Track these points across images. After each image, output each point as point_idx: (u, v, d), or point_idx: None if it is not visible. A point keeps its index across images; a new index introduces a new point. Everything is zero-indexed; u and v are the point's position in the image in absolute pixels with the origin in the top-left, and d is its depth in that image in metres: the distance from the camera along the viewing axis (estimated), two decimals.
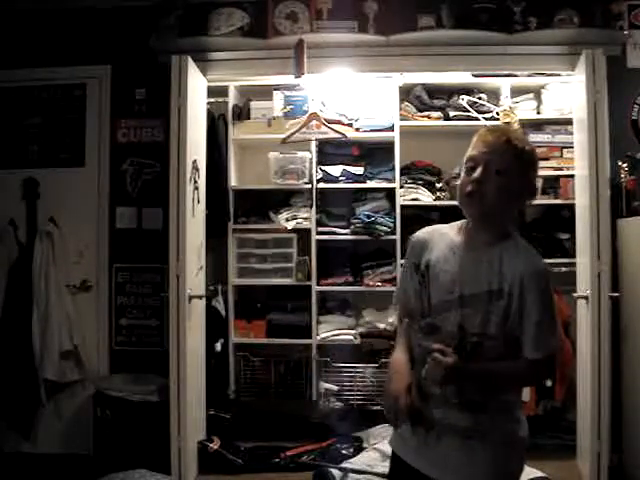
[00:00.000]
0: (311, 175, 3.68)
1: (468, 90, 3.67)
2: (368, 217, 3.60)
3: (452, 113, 3.63)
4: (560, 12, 3.33)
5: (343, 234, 3.70)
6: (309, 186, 3.67)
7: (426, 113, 3.67)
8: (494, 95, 3.70)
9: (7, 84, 3.66)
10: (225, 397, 3.67)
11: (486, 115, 3.58)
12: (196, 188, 3.21)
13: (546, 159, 3.52)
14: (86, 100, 3.67)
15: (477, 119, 3.54)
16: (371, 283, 3.63)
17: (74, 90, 3.67)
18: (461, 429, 1.45)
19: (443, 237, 1.57)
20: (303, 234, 3.71)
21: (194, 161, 3.17)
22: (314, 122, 3.55)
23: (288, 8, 3.45)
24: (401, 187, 3.64)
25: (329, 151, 3.77)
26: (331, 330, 3.67)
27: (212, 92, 3.51)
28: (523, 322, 1.43)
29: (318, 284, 3.66)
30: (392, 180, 3.65)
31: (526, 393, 3.12)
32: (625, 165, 3.25)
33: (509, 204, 1.49)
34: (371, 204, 3.70)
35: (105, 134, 3.64)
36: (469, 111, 3.59)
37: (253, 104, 3.77)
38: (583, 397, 3.08)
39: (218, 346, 3.59)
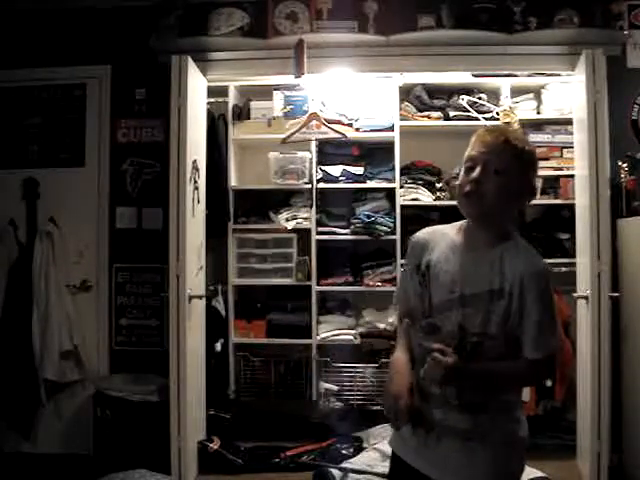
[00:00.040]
0: (311, 175, 3.68)
1: (468, 90, 3.67)
2: (368, 217, 3.60)
3: (452, 113, 3.63)
4: (560, 12, 3.33)
5: (343, 234, 3.70)
6: (309, 186, 3.67)
7: (426, 113, 3.67)
8: (494, 95, 3.70)
9: (7, 84, 3.66)
10: (225, 397, 3.67)
11: (486, 115, 3.58)
12: (196, 188, 3.21)
13: (546, 159, 3.52)
14: (86, 100, 3.67)
15: (477, 119, 3.54)
16: (371, 283, 3.63)
17: (74, 90, 3.67)
18: (461, 430, 1.45)
19: (444, 237, 1.57)
20: (303, 234, 3.71)
21: (194, 161, 3.17)
22: (314, 122, 3.55)
23: (288, 8, 3.45)
24: (401, 187, 3.65)
25: (329, 151, 3.77)
26: (331, 330, 3.67)
27: (212, 92, 3.51)
28: (523, 322, 1.43)
29: (318, 284, 3.66)
30: (392, 180, 3.65)
31: (526, 393, 3.12)
32: (625, 165, 3.25)
33: (508, 204, 1.49)
34: (371, 204, 3.70)
35: (105, 134, 3.64)
36: (469, 111, 3.59)
37: (253, 104, 3.77)
38: (583, 397, 3.08)
39: (218, 346, 3.59)
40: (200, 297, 3.23)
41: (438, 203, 3.63)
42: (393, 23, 3.40)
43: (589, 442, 2.88)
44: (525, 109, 3.64)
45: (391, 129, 3.64)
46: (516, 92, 3.63)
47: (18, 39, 3.63)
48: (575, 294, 3.13)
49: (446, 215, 3.32)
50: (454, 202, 1.56)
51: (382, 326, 3.62)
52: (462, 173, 1.50)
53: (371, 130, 3.67)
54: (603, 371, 2.85)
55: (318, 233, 3.67)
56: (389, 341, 3.50)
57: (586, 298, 2.95)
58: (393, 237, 3.61)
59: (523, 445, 1.52)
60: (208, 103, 3.50)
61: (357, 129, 3.69)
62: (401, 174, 3.65)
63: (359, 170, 3.70)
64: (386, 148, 3.69)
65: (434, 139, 3.72)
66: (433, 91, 3.73)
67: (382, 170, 3.69)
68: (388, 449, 1.67)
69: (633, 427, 3.06)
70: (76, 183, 3.64)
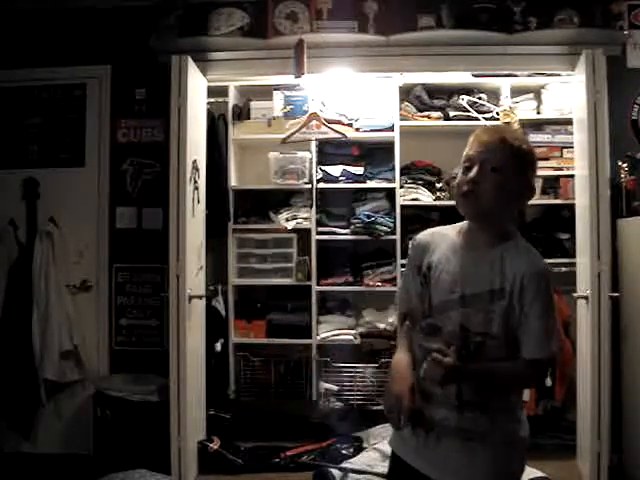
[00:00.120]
0: (311, 175, 3.68)
1: (468, 90, 3.67)
2: (368, 217, 3.60)
3: (452, 113, 3.63)
4: (560, 12, 3.33)
5: (343, 234, 3.70)
6: (309, 186, 3.67)
7: (426, 113, 3.67)
8: (494, 95, 3.70)
9: (7, 84, 3.66)
10: (225, 397, 3.67)
11: (486, 115, 3.58)
12: (196, 188, 3.21)
13: (546, 159, 3.52)
14: (86, 100, 3.67)
15: (477, 119, 3.54)
16: (371, 283, 3.63)
17: (74, 90, 3.67)
18: (462, 430, 1.45)
19: (444, 238, 1.57)
20: (303, 234, 3.71)
21: (194, 161, 3.17)
22: (314, 122, 3.55)
23: (288, 8, 3.45)
24: (401, 187, 3.64)
25: (329, 151, 3.77)
26: (331, 330, 3.67)
27: (212, 92, 3.51)
28: (523, 322, 1.42)
29: (318, 284, 3.66)
30: (392, 180, 3.65)
31: (526, 393, 3.12)
32: (625, 165, 3.25)
33: (507, 204, 1.48)
34: (371, 204, 3.70)
35: (105, 134, 3.64)
36: (469, 111, 3.59)
37: (253, 104, 3.77)
38: (583, 397, 3.08)
39: (218, 346, 3.59)
40: (200, 297, 3.23)
41: (438, 203, 3.63)
42: (393, 23, 3.40)
43: (589, 442, 2.88)
44: (525, 109, 3.64)
45: (391, 129, 3.64)
46: (516, 92, 3.63)
47: (18, 39, 3.63)
48: (575, 294, 3.13)
49: (446, 215, 3.33)
50: (454, 202, 1.56)
51: (382, 326, 3.62)
52: (460, 173, 1.50)
53: (371, 130, 3.67)
54: (603, 371, 2.85)
55: (318, 233, 3.67)
56: (389, 341, 3.50)
57: (586, 298, 2.95)
58: (393, 237, 3.61)
59: (524, 445, 1.52)
60: (208, 103, 3.50)
61: (357, 129, 3.69)
62: (401, 174, 3.65)
63: (359, 170, 3.70)
64: (386, 148, 3.68)
65: (434, 139, 3.72)
66: (433, 91, 3.73)
67: (382, 170, 3.69)
68: (388, 449, 1.67)
69: (633, 427, 3.06)
70: (76, 183, 3.64)
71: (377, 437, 3.25)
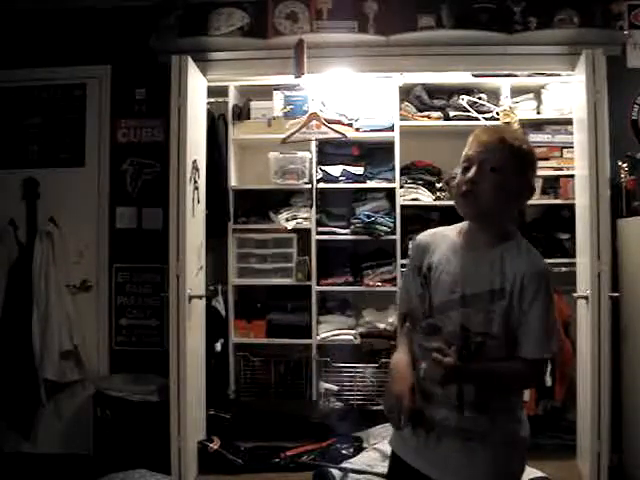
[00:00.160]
0: (311, 175, 3.68)
1: (468, 90, 3.67)
2: (368, 217, 3.60)
3: (452, 113, 3.63)
4: (560, 12, 3.33)
5: (343, 234, 3.70)
6: (309, 186, 3.67)
7: (426, 113, 3.67)
8: (494, 95, 3.70)
9: (7, 84, 3.66)
10: (225, 397, 3.67)
11: (486, 115, 3.58)
12: (196, 188, 3.21)
13: (546, 159, 3.52)
14: (86, 100, 3.66)
15: (477, 119, 3.54)
16: (371, 283, 3.63)
17: (74, 90, 3.67)
18: (462, 430, 1.45)
19: (445, 239, 1.57)
20: (303, 234, 3.71)
21: (194, 161, 3.17)
22: (314, 122, 3.55)
23: (288, 8, 3.45)
24: (401, 187, 3.65)
25: (329, 151, 3.77)
26: (331, 330, 3.67)
27: (212, 92, 3.51)
28: (522, 322, 1.42)
29: (318, 284, 3.66)
30: (392, 180, 3.65)
31: (526, 393, 3.13)
32: (625, 165, 3.25)
33: (506, 203, 1.48)
34: (371, 204, 3.70)
35: (105, 134, 3.64)
36: (469, 111, 3.59)
37: (253, 104, 3.77)
38: (583, 397, 3.08)
39: (218, 346, 3.59)
40: (200, 297, 3.23)
41: (438, 203, 3.63)
42: (393, 23, 3.40)
43: (589, 442, 2.88)
44: (525, 109, 3.64)
45: (391, 129, 3.64)
46: (516, 92, 3.63)
47: (18, 39, 3.63)
48: (575, 294, 3.13)
49: (446, 215, 3.33)
50: (454, 202, 1.56)
51: (382, 326, 3.62)
52: (459, 173, 1.50)
53: (371, 130, 3.67)
54: (603, 371, 2.85)
55: (318, 233, 3.67)
56: (389, 341, 3.50)
57: (586, 298, 2.95)
58: (393, 237, 3.61)
59: (524, 445, 1.52)
60: (208, 103, 3.50)
61: (357, 129, 3.69)
62: (401, 174, 3.65)
63: (359, 170, 3.70)
64: (386, 148, 3.68)
65: (434, 139, 3.72)
66: (433, 91, 3.73)
67: (382, 170, 3.69)
68: (388, 449, 1.67)
69: (633, 427, 3.06)
70: (76, 183, 3.64)
71: (377, 437, 3.25)
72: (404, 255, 3.55)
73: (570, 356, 3.33)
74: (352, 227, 3.66)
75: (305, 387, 3.66)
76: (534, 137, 3.52)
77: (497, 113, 3.57)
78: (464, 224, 1.57)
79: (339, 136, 3.58)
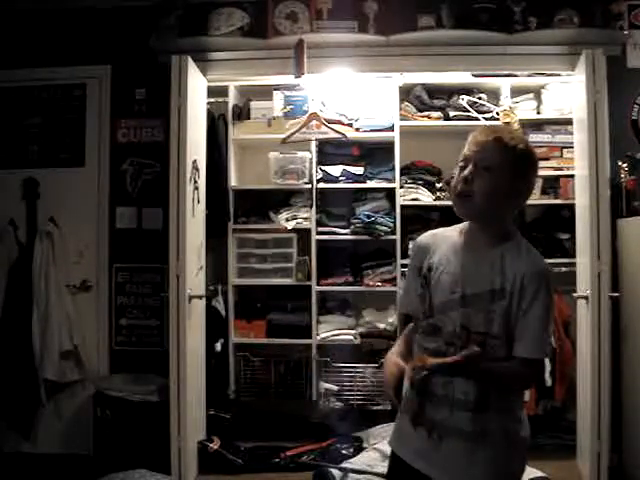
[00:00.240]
0: (311, 175, 3.68)
1: (468, 90, 3.68)
2: (368, 217, 3.60)
3: (452, 113, 3.63)
4: (560, 12, 3.33)
5: (343, 234, 3.70)
6: (309, 186, 3.67)
7: (426, 113, 3.67)
8: (494, 95, 3.70)
9: (7, 84, 3.66)
10: (225, 397, 3.67)
11: (486, 115, 3.58)
12: (196, 188, 3.21)
13: (546, 159, 3.52)
14: (86, 100, 3.66)
15: (477, 119, 3.54)
16: (371, 283, 3.63)
17: (74, 90, 3.67)
18: (462, 430, 1.45)
19: (445, 240, 1.57)
20: (303, 234, 3.71)
21: (194, 161, 3.17)
22: (314, 122, 3.55)
23: (288, 8, 3.45)
24: (401, 187, 3.65)
25: (329, 151, 3.77)
26: (331, 330, 3.67)
27: (212, 92, 3.51)
28: (521, 321, 1.42)
29: (318, 284, 3.66)
30: (392, 180, 3.65)
31: (526, 393, 3.12)
32: (625, 165, 3.25)
33: (502, 203, 1.47)
34: (371, 204, 3.70)
35: (105, 134, 3.64)
36: (469, 111, 3.59)
37: (253, 104, 3.77)
38: (583, 397, 3.08)
39: (218, 346, 3.59)
40: (200, 297, 3.23)
41: (438, 203, 3.63)
42: (393, 23, 3.40)
43: (589, 442, 2.88)
44: (525, 109, 3.64)
45: (391, 129, 3.64)
46: (516, 92, 3.63)
47: (18, 39, 3.63)
48: (575, 294, 3.13)
49: (446, 215, 3.32)
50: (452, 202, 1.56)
51: (382, 326, 3.62)
52: (456, 173, 1.50)
53: (371, 130, 3.67)
54: (603, 371, 2.85)
55: (318, 233, 3.67)
56: (389, 341, 3.49)
57: (586, 298, 2.95)
58: (393, 237, 3.61)
59: (524, 445, 1.52)
60: (208, 103, 3.50)
61: (357, 129, 3.69)
62: (401, 174, 3.65)
63: (359, 170, 3.70)
64: (386, 148, 3.69)
65: (434, 139, 3.72)
66: (433, 91, 3.73)
67: (382, 170, 3.69)
68: (388, 449, 1.67)
69: (633, 427, 3.06)
70: (76, 183, 3.64)
71: (377, 437, 3.25)
72: (404, 255, 3.55)
73: (570, 356, 3.34)
74: (352, 227, 3.66)
75: (305, 387, 3.66)
76: (534, 137, 3.52)
77: (497, 113, 3.57)
78: (464, 224, 1.57)
79: (339, 136, 3.58)
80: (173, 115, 3.03)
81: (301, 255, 3.70)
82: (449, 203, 1.56)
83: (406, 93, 3.72)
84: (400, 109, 3.65)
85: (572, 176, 3.42)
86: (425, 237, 1.63)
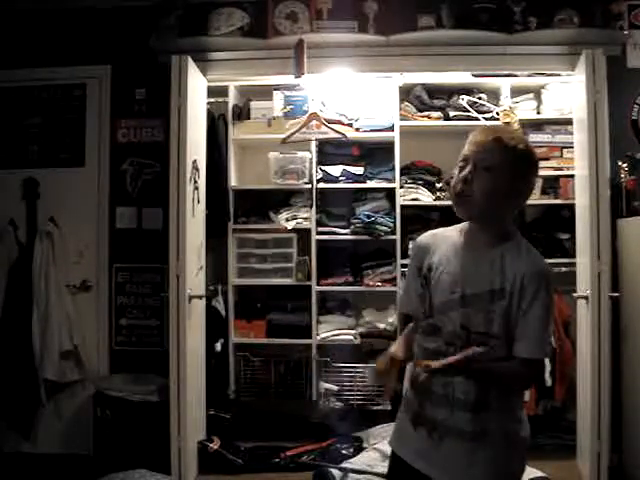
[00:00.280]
0: (311, 175, 3.68)
1: (468, 90, 3.67)
2: (368, 217, 3.60)
3: (452, 113, 3.63)
4: (560, 12, 3.33)
5: (343, 234, 3.70)
6: (309, 186, 3.67)
7: (426, 113, 3.67)
8: (494, 95, 3.70)
9: (7, 84, 3.66)
10: (225, 397, 3.67)
11: (486, 115, 3.58)
12: (196, 188, 3.21)
13: (546, 159, 3.52)
14: (86, 100, 3.66)
15: (477, 119, 3.54)
16: (371, 283, 3.63)
17: (74, 90, 3.67)
18: (463, 430, 1.45)
19: (445, 240, 1.57)
20: (303, 234, 3.71)
21: (194, 161, 3.17)
22: (314, 122, 3.55)
23: (288, 8, 3.45)
24: (401, 187, 3.64)
25: (329, 151, 3.77)
26: (331, 330, 3.67)
27: (212, 92, 3.51)
28: (521, 321, 1.42)
29: (318, 284, 3.66)
30: (392, 180, 3.65)
31: (526, 393, 3.12)
32: (625, 165, 3.25)
33: (501, 203, 1.47)
34: (371, 204, 3.70)
35: (105, 134, 3.64)
36: (469, 111, 3.59)
37: (253, 104, 3.77)
38: (583, 397, 3.08)
39: (218, 346, 3.59)
40: (200, 297, 3.23)
41: (438, 203, 3.63)
42: (393, 23, 3.40)
43: (589, 442, 2.88)
44: (525, 109, 3.64)
45: (391, 129, 3.64)
46: (516, 92, 3.63)
47: (18, 39, 3.63)
48: (575, 294, 3.13)
49: (446, 215, 3.32)
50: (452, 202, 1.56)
51: (382, 326, 3.62)
52: (456, 173, 1.50)
53: (371, 130, 3.67)
54: (603, 371, 2.85)
55: (318, 233, 3.67)
56: (389, 341, 3.48)
57: (586, 298, 2.95)
58: (393, 237, 3.61)
59: (524, 445, 1.52)
60: (208, 103, 3.50)
61: (357, 129, 3.69)
62: (401, 174, 3.65)
63: (359, 170, 3.70)
64: (386, 148, 3.69)
65: (434, 139, 3.72)
66: (433, 91, 3.73)
67: (382, 170, 3.69)
68: (388, 449, 1.68)
69: (633, 427, 3.06)
70: (76, 183, 3.64)
71: (377, 437, 3.25)
72: (404, 255, 3.55)
73: (570, 356, 3.34)
74: (352, 227, 3.66)
75: (305, 387, 3.66)
76: (534, 137, 3.52)
77: (497, 113, 3.57)
78: (464, 225, 1.57)
79: (339, 136, 3.58)
80: (173, 115, 3.03)
81: (301, 255, 3.70)
82: (449, 203, 1.56)
83: (406, 93, 3.72)
84: (400, 109, 3.65)
85: (572, 176, 3.42)
86: (425, 237, 1.63)
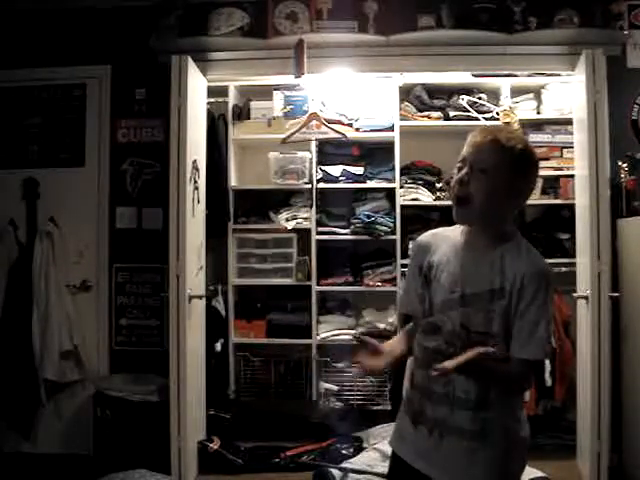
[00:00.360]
0: (311, 175, 3.68)
1: (468, 90, 3.67)
2: (368, 217, 3.60)
3: (452, 113, 3.63)
4: (560, 12, 3.33)
5: (343, 234, 3.70)
6: (309, 186, 3.67)
7: (426, 113, 3.67)
8: (494, 95, 3.70)
9: (7, 84, 3.66)
10: (225, 397, 3.67)
11: (486, 115, 3.58)
12: (196, 188, 3.21)
13: (546, 159, 3.52)
14: (86, 100, 3.67)
15: (477, 119, 3.54)
16: (371, 283, 3.63)
17: (74, 90, 3.67)
18: (463, 430, 1.45)
19: (445, 239, 1.57)
20: (303, 234, 3.71)
21: (194, 161, 3.17)
22: (314, 122, 3.55)
23: (288, 8, 3.45)
24: (401, 187, 3.64)
25: (329, 151, 3.77)
26: (331, 330, 3.67)
27: (212, 92, 3.51)
28: (520, 321, 1.42)
29: (318, 284, 3.66)
30: (392, 180, 3.65)
31: (526, 393, 3.12)
32: (625, 165, 3.25)
33: (500, 204, 1.47)
34: (371, 204, 3.70)
35: (105, 134, 3.64)
36: (469, 111, 3.59)
37: (253, 104, 3.77)
38: (583, 397, 3.08)
39: (218, 346, 3.59)
40: (200, 297, 3.23)
41: (438, 203, 3.63)
42: (393, 23, 3.40)
43: (589, 442, 2.88)
44: (525, 109, 3.64)
45: (391, 129, 3.64)
46: (516, 92, 3.63)
47: (18, 39, 3.63)
48: (575, 294, 3.13)
49: (446, 215, 3.31)
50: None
51: (382, 326, 3.62)
52: (455, 174, 1.50)
53: (371, 130, 3.67)
54: (603, 371, 2.85)
55: (318, 233, 3.67)
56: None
57: (586, 298, 2.95)
58: (393, 237, 3.61)
59: (524, 445, 1.52)
60: (208, 103, 3.50)
61: (357, 129, 3.69)
62: (401, 174, 3.65)
63: (359, 170, 3.70)
64: (386, 148, 3.68)
65: (434, 139, 3.72)
66: (433, 91, 3.73)
67: (382, 170, 3.69)
68: (388, 449, 1.68)
69: (633, 427, 3.06)
70: (76, 183, 3.64)
71: (377, 437, 3.25)
72: (404, 255, 3.55)
73: (570, 356, 3.34)
74: (352, 227, 3.66)
75: (305, 387, 3.66)
76: (534, 137, 3.52)
77: (497, 113, 3.57)
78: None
79: (339, 136, 3.58)
80: (173, 115, 3.03)
81: (301, 255, 3.70)
82: (449, 203, 1.56)
83: (406, 93, 3.72)
84: (400, 109, 3.65)
85: (572, 176, 3.42)
86: (425, 237, 1.63)
